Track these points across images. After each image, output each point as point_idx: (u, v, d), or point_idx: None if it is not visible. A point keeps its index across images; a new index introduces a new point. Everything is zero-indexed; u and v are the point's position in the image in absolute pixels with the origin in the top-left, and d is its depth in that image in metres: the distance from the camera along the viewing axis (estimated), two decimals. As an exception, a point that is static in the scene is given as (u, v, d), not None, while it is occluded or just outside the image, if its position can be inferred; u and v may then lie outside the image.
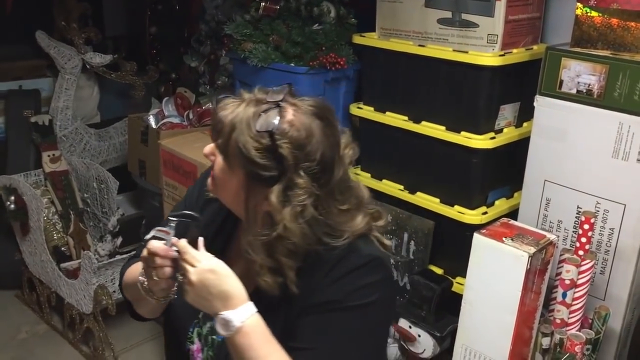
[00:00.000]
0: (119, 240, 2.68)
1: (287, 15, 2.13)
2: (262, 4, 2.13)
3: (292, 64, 2.07)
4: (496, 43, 1.71)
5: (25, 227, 2.69)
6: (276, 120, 0.92)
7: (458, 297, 1.66)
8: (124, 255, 2.55)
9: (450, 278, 1.85)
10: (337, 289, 0.97)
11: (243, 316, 0.93)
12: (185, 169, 2.16)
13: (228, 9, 2.64)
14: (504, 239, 1.52)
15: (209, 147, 1.02)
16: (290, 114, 0.94)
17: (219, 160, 0.99)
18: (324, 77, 2.05)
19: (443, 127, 1.80)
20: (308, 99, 0.98)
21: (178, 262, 0.96)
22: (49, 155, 2.86)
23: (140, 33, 3.27)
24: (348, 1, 2.17)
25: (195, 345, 1.10)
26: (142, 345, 2.69)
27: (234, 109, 0.96)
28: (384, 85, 1.97)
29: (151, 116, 2.77)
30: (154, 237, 0.98)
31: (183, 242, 0.96)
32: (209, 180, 1.04)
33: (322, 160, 0.94)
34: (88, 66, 3.01)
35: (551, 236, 1.56)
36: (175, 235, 0.98)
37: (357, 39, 2.03)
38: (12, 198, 2.66)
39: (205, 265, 0.94)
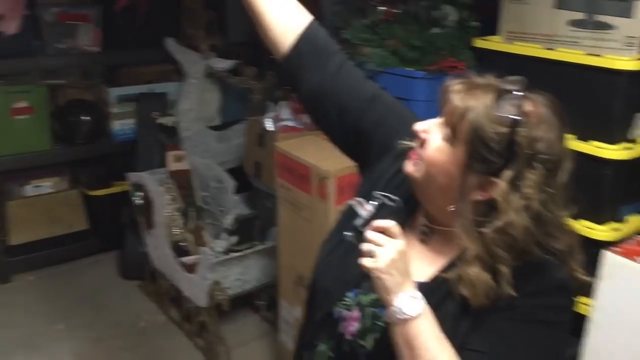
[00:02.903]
0: (234, 238, 2.77)
1: (406, 19, 2.11)
2: (381, 8, 2.13)
3: (410, 69, 2.04)
4: (634, 46, 1.59)
5: (150, 222, 2.85)
6: (517, 109, 0.92)
7: (580, 317, 1.55)
8: (239, 254, 2.64)
9: (573, 297, 1.74)
10: (529, 301, 0.94)
11: (422, 301, 0.93)
12: (300, 172, 2.19)
13: (346, 14, 2.65)
14: (637, 258, 1.40)
15: (425, 123, 1.01)
16: (529, 105, 0.94)
17: (436, 139, 0.98)
18: (442, 82, 2.00)
19: (572, 136, 1.70)
20: (541, 93, 0.97)
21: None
22: (173, 155, 3.02)
23: (261, 39, 3.37)
24: (469, 4, 2.11)
25: (353, 313, 1.07)
26: (253, 342, 2.76)
27: (469, 91, 0.95)
28: (507, 91, 1.88)
29: (268, 119, 2.84)
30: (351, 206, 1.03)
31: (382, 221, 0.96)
32: (410, 163, 1.02)
33: (556, 157, 0.93)
34: (211, 71, 3.15)
35: (694, 258, 1.41)
36: (373, 213, 1.01)
37: (479, 43, 1.97)
38: (140, 194, 2.84)
39: (403, 242, 0.94)
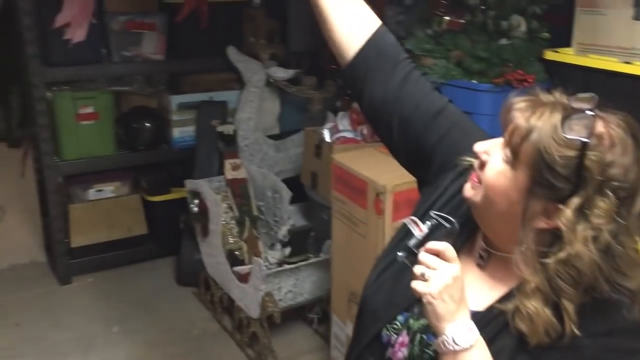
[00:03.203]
0: (288, 250, 2.74)
1: (472, 29, 2.03)
2: (446, 18, 2.05)
3: (474, 81, 1.96)
4: None
5: (206, 230, 2.86)
6: (587, 130, 0.84)
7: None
8: (292, 266, 2.60)
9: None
10: (595, 342, 0.86)
11: (476, 332, 0.87)
12: (355, 185, 2.14)
13: (410, 24, 2.59)
14: None
15: (485, 143, 0.94)
16: (601, 125, 0.86)
17: (497, 161, 0.91)
18: (509, 96, 1.91)
19: (650, 157, 1.57)
20: (614, 112, 0.89)
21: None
22: (230, 163, 3.03)
23: (321, 49, 3.34)
24: (541, 14, 2.01)
25: (401, 338, 1.01)
26: (304, 356, 2.72)
27: (533, 110, 0.88)
28: (579, 106, 1.78)
29: (326, 130, 2.81)
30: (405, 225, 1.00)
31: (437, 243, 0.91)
32: (468, 185, 0.96)
33: (631, 184, 0.85)
34: (271, 80, 3.15)
35: None
36: (428, 234, 0.97)
37: (550, 55, 1.87)
38: (196, 201, 2.85)
39: (458, 266, 0.88)
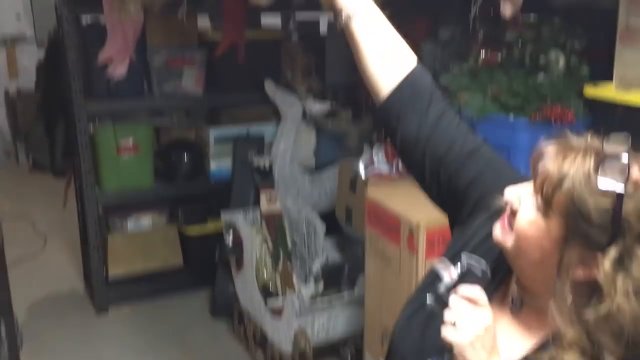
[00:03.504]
0: (321, 285, 2.70)
1: (509, 64, 2.00)
2: (483, 53, 2.03)
3: (511, 116, 1.92)
4: None
5: (240, 262, 2.86)
6: (624, 177, 0.80)
7: None
8: (325, 301, 2.57)
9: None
10: None
11: None
12: (389, 222, 2.11)
13: (446, 59, 2.57)
14: None
15: (515, 190, 0.91)
16: (637, 170, 0.82)
17: (528, 209, 0.88)
18: (547, 132, 1.86)
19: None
20: None
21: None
22: (266, 196, 3.03)
23: (357, 83, 3.35)
24: (580, 49, 1.97)
25: None
26: (334, 395, 2.67)
27: (564, 156, 0.84)
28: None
29: (361, 163, 2.79)
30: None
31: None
32: (498, 229, 0.93)
33: None
34: (308, 113, 3.16)
35: None
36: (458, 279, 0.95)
37: (590, 91, 1.81)
38: (231, 234, 2.86)
39: (490, 313, 0.86)
